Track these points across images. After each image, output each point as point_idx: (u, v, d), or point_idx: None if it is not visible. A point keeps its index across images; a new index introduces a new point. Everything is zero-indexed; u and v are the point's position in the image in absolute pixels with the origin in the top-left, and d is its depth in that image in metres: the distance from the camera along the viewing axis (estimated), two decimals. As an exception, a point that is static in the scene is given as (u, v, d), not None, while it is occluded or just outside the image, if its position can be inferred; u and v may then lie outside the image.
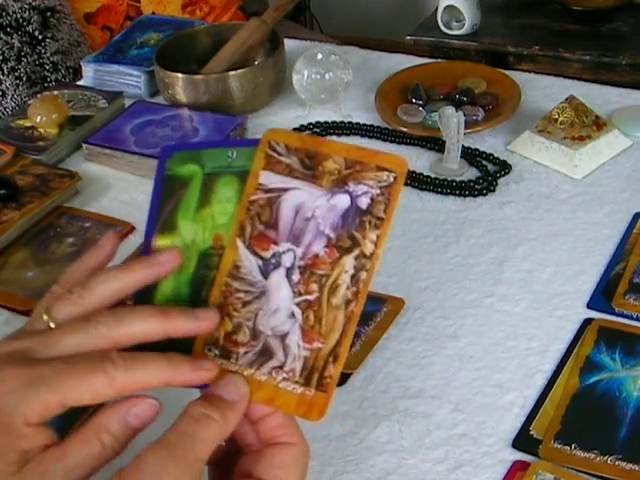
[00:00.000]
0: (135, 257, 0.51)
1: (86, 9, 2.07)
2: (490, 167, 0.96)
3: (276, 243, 0.49)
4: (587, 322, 0.73)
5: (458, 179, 0.94)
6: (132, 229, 0.92)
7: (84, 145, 1.06)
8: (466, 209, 0.90)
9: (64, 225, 0.93)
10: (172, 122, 1.06)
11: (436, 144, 1.00)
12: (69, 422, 0.67)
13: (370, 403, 0.69)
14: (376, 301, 0.77)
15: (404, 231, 0.87)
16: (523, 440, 0.64)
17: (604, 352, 0.70)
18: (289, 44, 1.20)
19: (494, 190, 0.92)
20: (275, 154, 0.50)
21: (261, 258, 0.49)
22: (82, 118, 1.10)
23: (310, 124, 1.08)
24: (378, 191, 0.48)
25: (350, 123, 1.07)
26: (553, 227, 0.86)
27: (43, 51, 1.85)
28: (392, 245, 0.84)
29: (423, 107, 1.06)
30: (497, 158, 0.97)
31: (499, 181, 0.94)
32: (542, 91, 1.10)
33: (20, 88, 1.80)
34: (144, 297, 0.50)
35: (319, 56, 1.07)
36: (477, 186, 0.93)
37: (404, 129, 1.02)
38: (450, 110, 0.94)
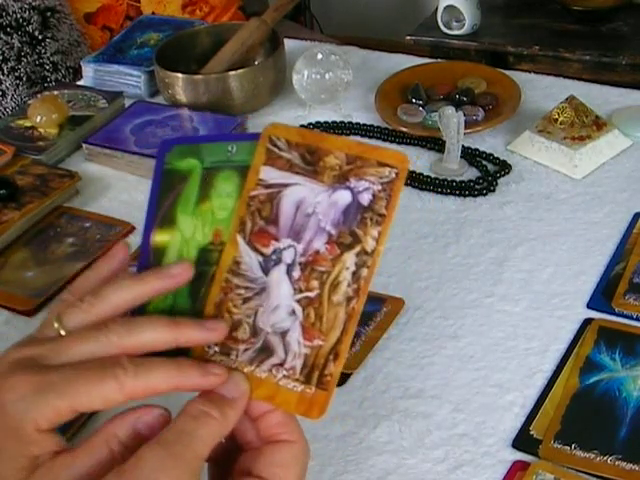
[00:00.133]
0: (136, 255, 0.51)
1: (86, 9, 2.07)
2: (490, 167, 0.96)
3: (277, 239, 0.48)
4: (587, 322, 0.73)
5: (458, 179, 0.94)
6: (132, 229, 0.92)
7: (84, 145, 1.06)
8: (466, 209, 0.90)
9: (64, 225, 0.93)
10: (172, 122, 1.06)
11: (436, 144, 1.00)
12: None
13: (370, 403, 0.69)
14: (376, 301, 0.77)
15: (404, 231, 0.87)
16: (523, 440, 0.64)
17: (604, 352, 0.70)
18: (289, 44, 1.20)
19: (494, 190, 0.92)
20: (276, 149, 0.49)
21: (261, 254, 0.48)
22: (82, 118, 1.10)
23: (310, 124, 1.08)
24: (379, 187, 0.47)
25: (350, 123, 1.07)
26: (553, 227, 0.86)
27: (43, 51, 1.85)
28: (392, 245, 0.84)
29: (423, 107, 1.06)
30: (497, 158, 0.97)
31: (499, 181, 0.94)
32: (542, 91, 1.10)
33: (20, 88, 1.80)
34: None
35: (319, 56, 1.07)
36: (477, 186, 0.93)
37: (404, 129, 1.02)
38: (450, 110, 0.94)
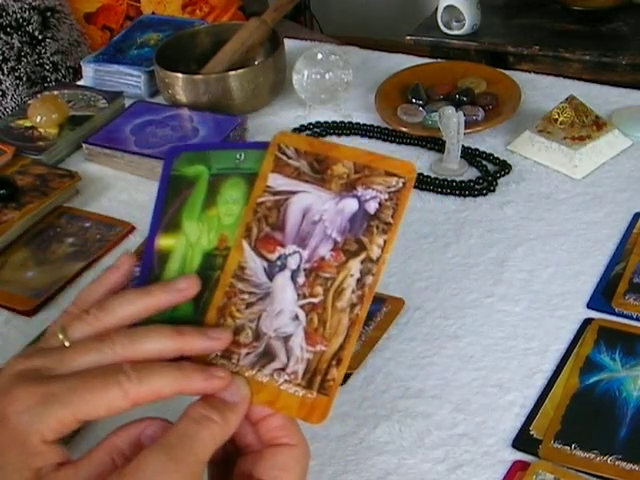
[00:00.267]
0: (136, 255, 0.51)
1: (86, 9, 2.07)
2: (490, 167, 0.96)
3: (282, 245, 0.49)
4: (587, 322, 0.73)
5: (458, 179, 0.94)
6: (132, 229, 0.92)
7: (84, 145, 1.06)
8: (466, 209, 0.90)
9: (64, 225, 0.93)
10: (172, 122, 1.06)
11: (436, 144, 1.00)
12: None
13: (370, 403, 0.69)
14: (376, 301, 0.77)
15: (404, 231, 0.87)
16: (523, 440, 0.64)
17: (604, 352, 0.70)
18: (289, 44, 1.20)
19: (494, 190, 0.92)
20: (284, 157, 0.50)
21: (267, 260, 0.49)
22: (82, 118, 1.10)
23: (310, 124, 1.08)
24: (386, 196, 0.48)
25: (350, 123, 1.07)
26: (553, 227, 0.86)
27: (43, 51, 1.85)
28: (392, 245, 0.84)
29: (423, 107, 1.06)
30: (497, 158, 0.97)
31: (499, 181, 0.94)
32: (542, 91, 1.10)
33: (20, 88, 1.80)
34: None
35: (319, 56, 1.07)
36: (477, 186, 0.93)
37: (404, 129, 1.02)
38: (450, 110, 0.94)
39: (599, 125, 0.97)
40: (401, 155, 0.99)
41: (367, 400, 0.69)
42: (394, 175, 0.48)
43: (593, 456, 0.62)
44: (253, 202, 0.50)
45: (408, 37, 2.27)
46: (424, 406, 0.68)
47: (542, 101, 1.06)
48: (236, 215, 0.50)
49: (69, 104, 1.12)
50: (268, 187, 0.50)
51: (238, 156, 0.51)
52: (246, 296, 0.49)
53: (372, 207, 0.48)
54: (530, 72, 1.16)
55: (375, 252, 0.47)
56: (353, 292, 0.47)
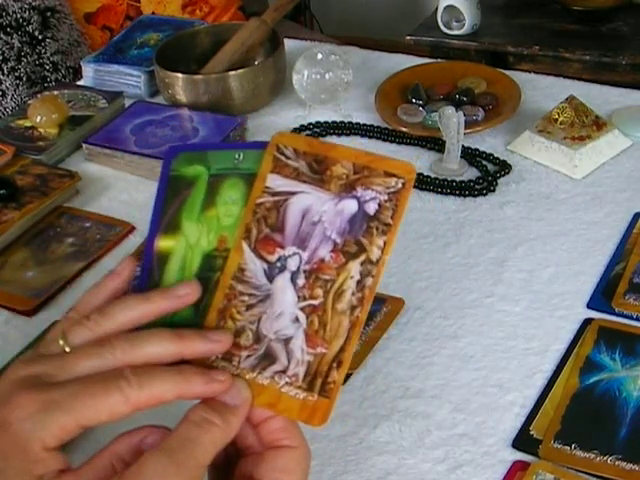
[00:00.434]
0: (136, 255, 0.50)
1: (86, 9, 2.07)
2: (490, 167, 0.96)
3: (282, 247, 0.48)
4: (587, 322, 0.73)
5: (458, 179, 0.94)
6: (132, 229, 0.92)
7: (84, 145, 1.06)
8: (466, 209, 0.90)
9: (64, 225, 0.93)
10: (172, 122, 1.06)
11: (436, 144, 1.00)
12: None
13: (370, 403, 0.69)
14: (376, 301, 0.77)
15: (404, 231, 0.87)
16: (523, 440, 0.64)
17: (604, 352, 0.70)
18: (289, 44, 1.20)
19: (494, 190, 0.92)
20: (283, 157, 0.49)
21: (266, 261, 0.49)
22: (82, 118, 1.10)
23: (310, 124, 1.08)
24: (386, 197, 0.48)
25: (350, 123, 1.07)
26: (553, 227, 0.86)
27: (43, 51, 1.85)
28: (392, 245, 0.84)
29: (423, 107, 1.06)
30: (497, 158, 0.97)
31: (499, 181, 0.94)
32: (542, 91, 1.10)
33: (20, 88, 1.80)
34: None
35: (319, 56, 1.07)
36: (477, 186, 0.93)
37: (404, 129, 1.02)
38: (450, 110, 0.94)
39: (599, 125, 0.97)
40: (401, 155, 0.99)
41: (367, 400, 0.69)
42: (393, 176, 0.48)
43: (593, 456, 0.62)
44: (252, 203, 0.49)
45: (408, 37, 2.27)
46: (424, 406, 0.68)
47: (542, 101, 1.06)
48: (235, 216, 0.50)
49: (69, 104, 1.12)
50: (267, 188, 0.49)
51: (237, 156, 0.51)
52: (246, 298, 0.48)
53: (372, 208, 0.48)
54: (530, 72, 1.16)
55: (375, 254, 0.47)
56: (353, 294, 0.47)
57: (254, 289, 0.48)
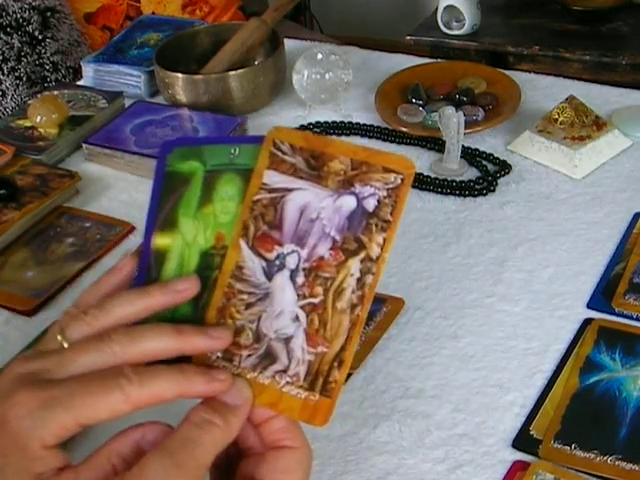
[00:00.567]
0: (135, 255, 0.50)
1: (86, 9, 2.07)
2: (490, 167, 0.96)
3: (280, 244, 0.48)
4: (587, 322, 0.73)
5: (458, 179, 0.94)
6: (132, 229, 0.92)
7: (84, 145, 1.06)
8: (466, 209, 0.90)
9: (64, 225, 0.93)
10: (172, 122, 1.06)
11: (436, 144, 1.00)
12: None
13: (370, 403, 0.69)
14: (376, 301, 0.77)
15: (404, 231, 0.87)
16: (523, 440, 0.64)
17: (604, 352, 0.70)
18: (289, 44, 1.20)
19: (494, 190, 0.92)
20: (280, 153, 0.49)
21: (265, 259, 0.48)
22: (82, 118, 1.10)
23: (310, 124, 1.08)
24: (385, 193, 0.47)
25: (350, 123, 1.07)
26: (553, 227, 0.86)
27: (43, 51, 1.85)
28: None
29: (423, 107, 1.06)
30: (497, 158, 0.97)
31: (499, 181, 0.94)
32: (542, 91, 1.10)
33: (20, 88, 1.80)
34: None
35: (319, 56, 1.07)
36: (477, 186, 0.93)
37: (404, 129, 1.02)
38: (450, 110, 0.94)
39: (599, 125, 0.97)
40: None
41: (367, 400, 0.69)
42: (392, 171, 0.47)
43: (593, 456, 0.62)
44: (249, 200, 0.49)
45: (408, 37, 2.27)
46: (424, 406, 0.68)
47: (542, 101, 1.06)
48: (232, 212, 0.49)
49: (69, 104, 1.12)
50: (264, 184, 0.49)
51: (232, 151, 0.50)
52: (245, 296, 0.48)
53: (371, 204, 0.47)
54: (530, 72, 1.16)
55: (375, 251, 0.47)
56: (353, 292, 0.47)
57: (253, 287, 0.48)
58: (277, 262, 0.48)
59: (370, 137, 1.05)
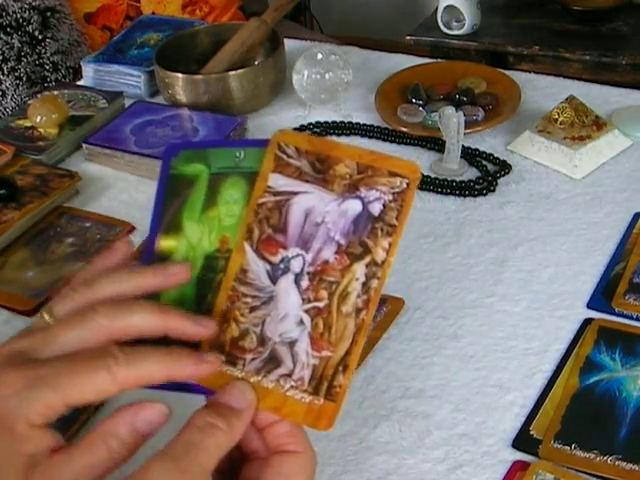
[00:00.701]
0: (136, 255, 0.50)
1: (86, 9, 2.07)
2: (490, 167, 0.96)
3: (285, 248, 0.48)
4: (587, 322, 0.73)
5: (458, 179, 0.94)
6: (132, 229, 0.92)
7: (84, 145, 1.06)
8: (466, 209, 0.90)
9: (64, 225, 0.93)
10: (172, 122, 1.06)
11: (436, 144, 1.00)
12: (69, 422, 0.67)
13: (370, 403, 0.69)
14: (376, 301, 0.77)
15: (404, 231, 0.87)
16: (523, 440, 0.64)
17: (604, 352, 0.70)
18: (289, 44, 1.20)
19: (494, 190, 0.92)
20: (285, 156, 0.49)
21: (269, 263, 0.48)
22: (82, 118, 1.10)
23: (310, 124, 1.08)
24: (391, 197, 0.47)
25: (350, 123, 1.07)
26: (553, 227, 0.86)
27: (43, 51, 1.85)
28: (392, 245, 0.84)
29: (423, 107, 1.06)
30: (497, 158, 0.97)
31: (499, 181, 0.94)
32: (542, 91, 1.10)
33: (20, 88, 1.80)
34: (149, 297, 0.49)
35: (319, 56, 1.07)
36: (477, 186, 0.93)
37: (404, 129, 1.02)
38: (450, 110, 0.94)
39: (599, 125, 0.97)
40: (401, 155, 0.98)
41: (367, 400, 0.69)
42: (398, 175, 0.47)
43: (593, 456, 0.62)
44: (254, 203, 0.49)
45: (408, 37, 2.27)
46: (424, 406, 0.68)
47: (542, 101, 1.06)
48: (237, 216, 0.49)
49: (69, 104, 1.12)
50: (269, 187, 0.49)
51: (237, 154, 0.50)
52: (249, 300, 0.48)
53: (376, 209, 0.47)
54: (530, 72, 1.16)
55: (380, 255, 0.47)
56: (358, 296, 0.46)
57: (257, 291, 0.48)
58: (282, 266, 0.48)
59: (370, 137, 1.05)
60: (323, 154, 0.48)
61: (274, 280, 0.48)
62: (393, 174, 0.47)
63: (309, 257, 0.47)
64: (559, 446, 0.63)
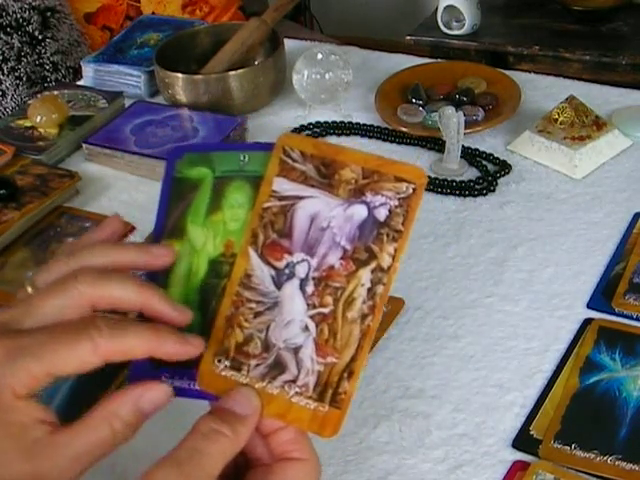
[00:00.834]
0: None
1: (86, 9, 2.07)
2: (490, 167, 0.96)
3: (290, 253, 0.47)
4: (587, 322, 0.73)
5: (458, 179, 0.94)
6: (132, 229, 0.92)
7: (84, 145, 1.06)
8: (466, 209, 0.90)
9: (64, 225, 0.93)
10: (172, 122, 1.06)
11: (436, 144, 1.00)
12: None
13: (370, 403, 0.69)
14: (376, 301, 0.77)
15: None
16: (523, 440, 0.64)
17: (604, 352, 0.70)
18: (289, 44, 1.20)
19: (494, 190, 0.92)
20: (290, 160, 0.48)
21: (274, 268, 0.47)
22: (82, 118, 1.10)
23: (310, 124, 1.08)
24: (396, 202, 0.46)
25: (350, 123, 1.07)
26: (553, 227, 0.86)
27: (43, 51, 1.85)
28: (392, 245, 0.84)
29: (423, 107, 1.06)
30: (497, 158, 0.97)
31: (499, 181, 0.94)
32: (542, 91, 1.10)
33: (20, 88, 1.80)
34: None
35: (319, 56, 1.07)
36: (477, 186, 0.93)
37: (404, 129, 1.02)
38: (450, 110, 0.94)
39: (599, 125, 0.97)
40: (401, 155, 0.99)
41: (367, 400, 0.69)
42: (404, 181, 0.46)
43: (593, 456, 0.62)
44: (259, 207, 0.48)
45: (408, 37, 2.27)
46: (424, 406, 0.68)
47: (542, 101, 1.06)
48: (242, 220, 0.49)
49: (69, 104, 1.12)
50: (274, 192, 0.48)
51: (242, 158, 0.50)
52: (254, 305, 0.47)
53: (382, 214, 0.47)
54: (530, 72, 1.16)
55: (386, 261, 0.46)
56: (364, 302, 0.46)
57: (262, 296, 0.47)
58: (286, 271, 0.47)
59: (370, 137, 1.05)
60: (328, 158, 0.48)
61: (279, 285, 0.47)
62: (399, 179, 0.47)
63: (314, 262, 0.47)
64: (559, 446, 0.63)
